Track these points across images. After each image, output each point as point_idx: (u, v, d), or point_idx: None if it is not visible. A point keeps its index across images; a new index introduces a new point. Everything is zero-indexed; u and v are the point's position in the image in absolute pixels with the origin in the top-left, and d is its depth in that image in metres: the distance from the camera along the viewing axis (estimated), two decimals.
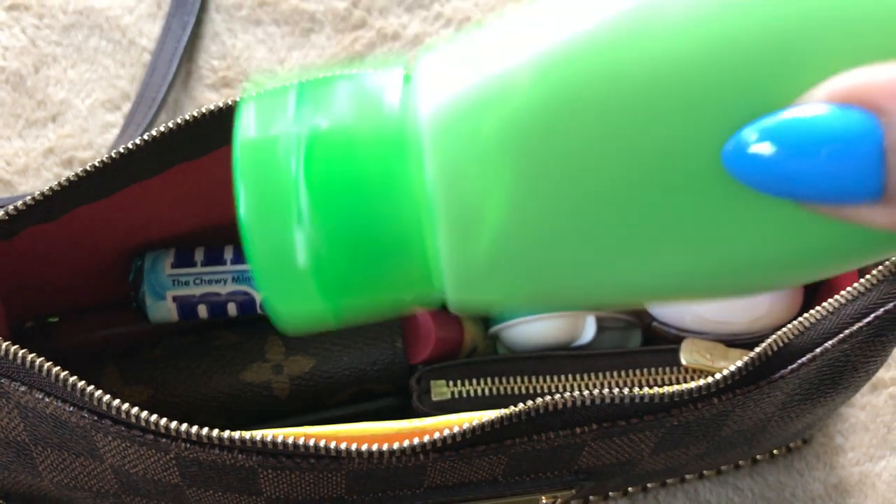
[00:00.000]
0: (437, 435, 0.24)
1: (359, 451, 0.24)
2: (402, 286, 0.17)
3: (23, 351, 0.24)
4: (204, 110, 0.29)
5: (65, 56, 0.46)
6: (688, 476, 0.39)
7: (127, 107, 0.45)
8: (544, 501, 0.29)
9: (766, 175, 0.14)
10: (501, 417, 0.24)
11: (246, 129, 0.16)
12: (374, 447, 0.24)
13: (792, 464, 0.40)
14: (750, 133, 0.14)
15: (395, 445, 0.24)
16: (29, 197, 0.27)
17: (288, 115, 0.16)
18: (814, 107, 0.13)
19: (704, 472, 0.39)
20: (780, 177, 0.14)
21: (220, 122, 0.29)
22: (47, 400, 0.24)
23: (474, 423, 0.24)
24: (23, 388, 0.24)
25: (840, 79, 0.13)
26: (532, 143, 0.15)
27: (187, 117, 0.29)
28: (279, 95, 0.16)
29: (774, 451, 0.40)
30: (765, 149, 0.14)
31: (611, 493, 0.38)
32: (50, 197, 0.27)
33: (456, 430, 0.24)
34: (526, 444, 0.25)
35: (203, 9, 0.47)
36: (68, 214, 0.29)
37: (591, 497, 0.37)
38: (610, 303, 0.17)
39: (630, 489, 0.38)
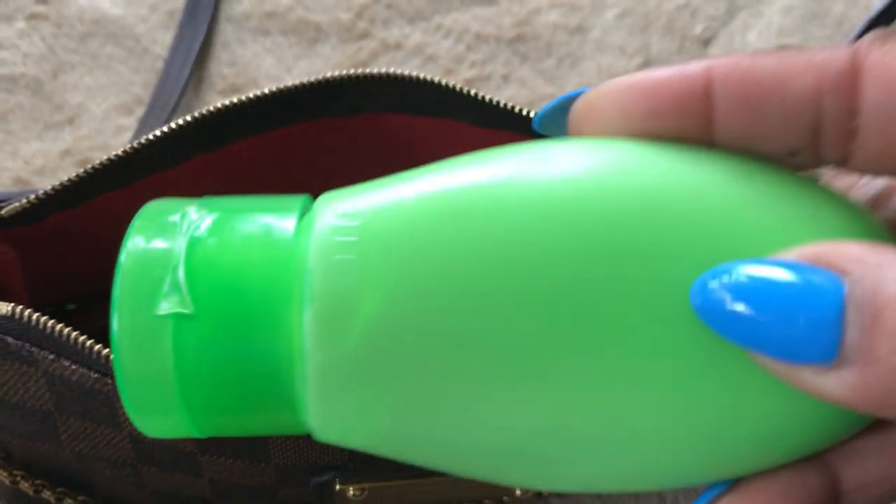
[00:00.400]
0: None
1: None
2: (267, 410, 0.16)
3: (52, 321, 0.26)
4: (215, 106, 0.31)
5: (81, 63, 0.48)
6: None
7: (140, 111, 0.47)
8: None
9: (730, 320, 0.14)
10: None
11: (133, 241, 0.16)
12: None
13: None
14: (722, 277, 0.14)
15: None
16: (57, 183, 0.29)
17: (179, 222, 0.16)
18: (784, 263, 0.14)
19: None
20: (745, 324, 0.14)
21: (229, 119, 0.31)
22: (73, 367, 0.26)
23: None
24: (51, 357, 0.26)
25: (811, 245, 0.14)
26: (404, 261, 0.15)
27: (202, 111, 0.31)
28: (172, 216, 0.16)
29: None
30: (735, 298, 0.14)
31: None
32: (76, 183, 0.29)
33: None
34: None
35: (214, 19, 0.49)
36: (91, 201, 0.31)
37: None
38: (474, 466, 0.17)
39: None
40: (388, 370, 0.15)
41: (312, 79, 0.32)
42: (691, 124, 0.16)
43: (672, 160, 0.16)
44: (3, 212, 0.29)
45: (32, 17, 0.48)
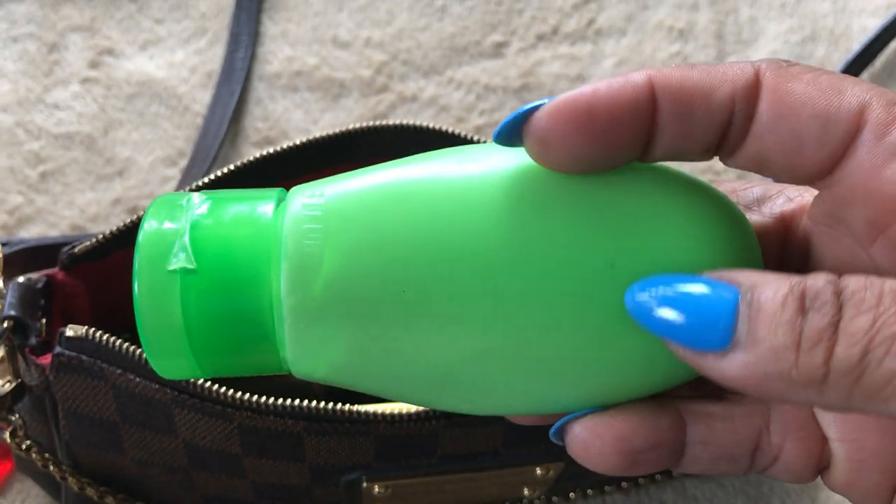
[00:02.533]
0: None
1: (384, 415, 0.30)
2: (255, 349, 0.20)
3: (119, 340, 0.30)
4: (247, 160, 0.36)
5: (129, 120, 0.53)
6: (675, 472, 0.44)
7: (183, 163, 0.52)
8: (539, 472, 0.34)
9: (657, 320, 0.19)
10: None
11: (149, 223, 0.20)
12: (396, 411, 0.30)
13: None
14: (651, 289, 0.19)
15: (413, 410, 0.30)
16: (122, 224, 0.34)
17: (181, 215, 0.20)
18: (700, 279, 0.19)
19: None
20: (667, 323, 0.19)
21: (264, 167, 0.36)
22: (138, 380, 0.30)
23: None
24: (118, 371, 0.30)
25: (716, 271, 0.19)
26: (357, 230, 0.19)
27: (239, 162, 0.36)
28: (178, 203, 0.20)
29: None
30: (660, 304, 0.18)
31: (606, 488, 0.43)
32: (136, 224, 0.34)
33: None
34: None
35: (247, 79, 0.54)
36: None
37: (588, 491, 0.43)
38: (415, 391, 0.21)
39: (623, 484, 0.43)
40: (345, 312, 0.19)
41: (336, 130, 0.37)
42: (637, 129, 0.20)
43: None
44: (76, 249, 0.34)
45: (85, 80, 0.54)
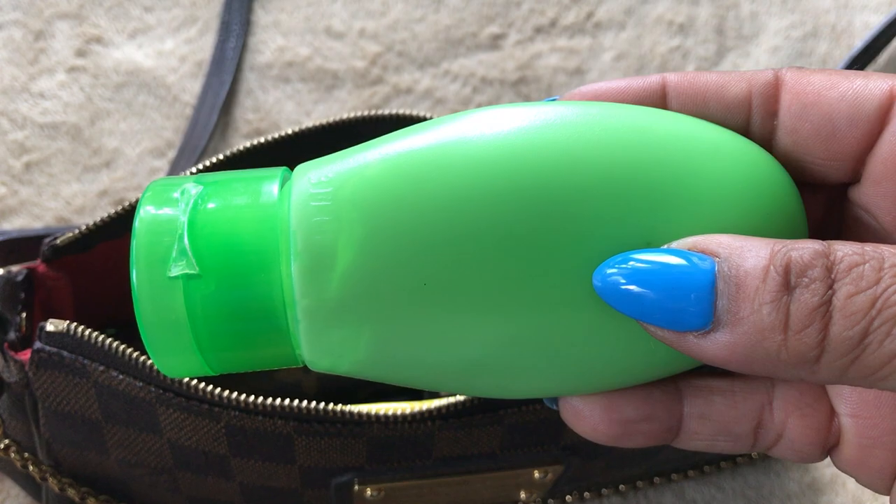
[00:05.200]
0: (442, 402, 0.29)
1: (377, 416, 0.29)
2: (268, 346, 0.19)
3: (102, 336, 0.29)
4: (238, 149, 0.35)
5: (117, 110, 0.52)
6: (674, 476, 0.43)
7: (171, 154, 0.50)
8: (537, 475, 0.33)
9: (625, 298, 0.17)
10: None
11: (143, 217, 0.18)
12: (391, 412, 0.29)
13: (770, 465, 0.44)
14: (618, 265, 0.17)
15: (408, 411, 0.29)
16: (106, 216, 0.32)
17: (180, 197, 0.19)
18: (668, 251, 0.17)
19: (689, 472, 0.43)
20: (637, 301, 0.17)
21: (254, 158, 0.35)
22: (121, 377, 0.29)
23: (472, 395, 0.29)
24: (101, 368, 0.29)
25: (690, 237, 0.18)
26: (371, 218, 0.18)
27: (227, 153, 0.35)
28: (177, 186, 0.19)
29: (753, 455, 0.44)
30: (628, 281, 0.17)
31: (603, 491, 0.42)
32: (119, 216, 0.33)
33: (458, 398, 0.29)
34: (517, 415, 0.30)
35: (238, 69, 0.53)
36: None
37: (585, 494, 0.42)
38: (438, 380, 0.20)
39: (621, 487, 0.42)
40: (364, 309, 0.18)
41: (329, 120, 0.36)
42: None
43: (611, 127, 0.19)
44: (58, 241, 0.32)
45: (72, 69, 0.52)
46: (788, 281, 0.16)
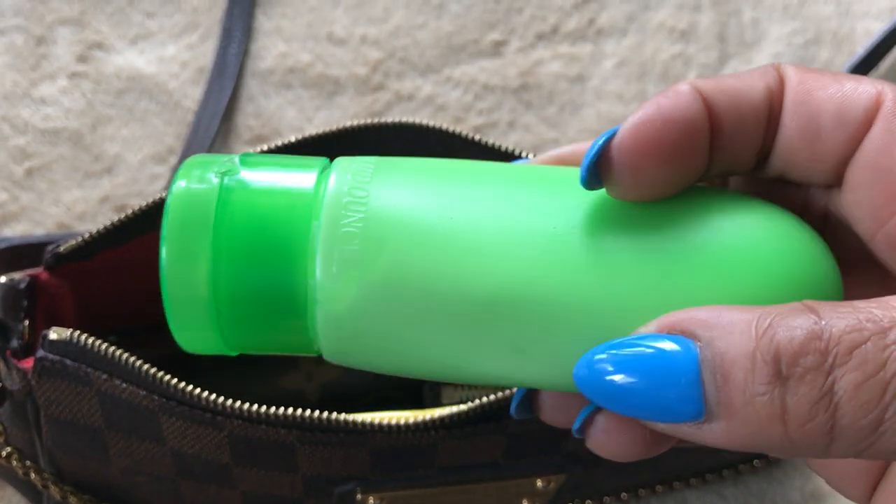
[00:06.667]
0: (445, 411, 0.29)
1: (380, 426, 0.29)
2: (285, 323, 0.19)
3: (105, 344, 0.29)
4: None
5: (118, 116, 0.52)
6: (675, 484, 0.43)
7: (173, 160, 0.50)
8: (539, 484, 0.33)
9: (610, 397, 0.16)
10: (499, 398, 0.29)
11: (180, 182, 0.19)
12: (394, 422, 0.29)
13: (772, 473, 0.44)
14: (594, 360, 0.16)
15: (411, 420, 0.29)
16: (108, 223, 0.32)
17: (215, 175, 0.19)
18: (644, 336, 0.16)
19: (691, 480, 0.43)
20: (623, 399, 0.16)
21: None
22: (124, 385, 0.29)
23: (476, 403, 0.29)
24: (104, 376, 0.29)
25: (667, 315, 0.16)
26: (394, 242, 0.18)
27: None
28: (213, 161, 0.19)
29: (755, 462, 0.44)
30: (609, 374, 0.16)
31: (606, 499, 0.42)
32: (121, 224, 0.33)
33: (461, 408, 0.29)
34: (520, 424, 0.30)
35: (240, 75, 0.53)
36: (133, 241, 0.34)
37: (587, 502, 0.42)
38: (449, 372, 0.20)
39: (623, 495, 0.42)
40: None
41: (333, 128, 0.36)
42: (702, 138, 0.18)
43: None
44: (61, 248, 0.32)
45: (74, 75, 0.52)
46: (779, 371, 0.15)
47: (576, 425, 0.20)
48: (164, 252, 0.18)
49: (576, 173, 0.19)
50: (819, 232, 0.20)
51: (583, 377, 0.17)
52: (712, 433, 0.16)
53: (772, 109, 0.19)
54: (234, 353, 0.20)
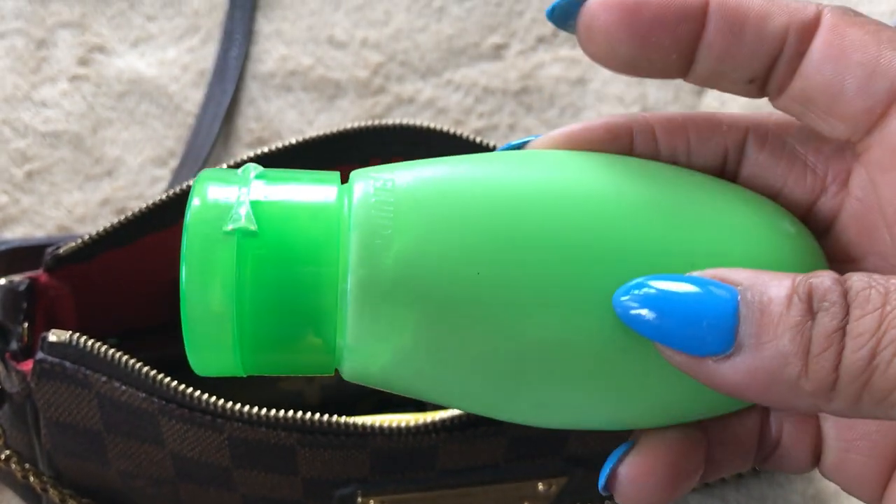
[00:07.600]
0: (446, 414, 0.29)
1: (381, 428, 0.29)
2: (308, 349, 0.19)
3: (104, 346, 0.29)
4: (240, 160, 0.35)
5: (119, 119, 0.52)
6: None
7: (173, 163, 0.50)
8: (541, 487, 0.33)
9: (642, 321, 0.18)
10: None
11: (200, 195, 0.18)
12: (394, 424, 0.29)
13: (774, 477, 0.44)
14: (633, 291, 0.18)
15: (412, 423, 0.29)
16: (109, 225, 0.32)
17: (237, 184, 0.18)
18: (689, 278, 0.18)
19: None
20: (654, 325, 0.17)
21: None
22: (124, 388, 0.29)
23: None
24: (103, 379, 0.29)
25: (711, 269, 0.18)
26: (428, 215, 0.18)
27: (230, 164, 0.34)
28: (233, 178, 0.19)
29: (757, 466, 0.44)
30: (643, 306, 0.18)
31: (607, 503, 0.42)
32: (122, 226, 0.33)
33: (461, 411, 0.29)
34: (521, 426, 0.30)
35: (241, 78, 0.53)
36: (134, 244, 0.34)
37: None
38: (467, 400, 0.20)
39: None
40: (417, 287, 0.18)
41: (333, 130, 0.36)
42: (681, 37, 0.19)
43: (619, 176, 0.20)
44: (61, 250, 0.32)
45: (74, 78, 0.52)
46: (811, 307, 0.16)
47: (601, 483, 0.20)
48: (184, 272, 0.18)
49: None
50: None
51: (618, 302, 0.18)
52: (733, 368, 0.17)
53: (788, 42, 0.19)
54: (245, 375, 0.19)
